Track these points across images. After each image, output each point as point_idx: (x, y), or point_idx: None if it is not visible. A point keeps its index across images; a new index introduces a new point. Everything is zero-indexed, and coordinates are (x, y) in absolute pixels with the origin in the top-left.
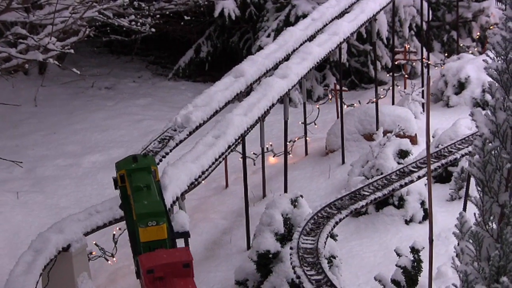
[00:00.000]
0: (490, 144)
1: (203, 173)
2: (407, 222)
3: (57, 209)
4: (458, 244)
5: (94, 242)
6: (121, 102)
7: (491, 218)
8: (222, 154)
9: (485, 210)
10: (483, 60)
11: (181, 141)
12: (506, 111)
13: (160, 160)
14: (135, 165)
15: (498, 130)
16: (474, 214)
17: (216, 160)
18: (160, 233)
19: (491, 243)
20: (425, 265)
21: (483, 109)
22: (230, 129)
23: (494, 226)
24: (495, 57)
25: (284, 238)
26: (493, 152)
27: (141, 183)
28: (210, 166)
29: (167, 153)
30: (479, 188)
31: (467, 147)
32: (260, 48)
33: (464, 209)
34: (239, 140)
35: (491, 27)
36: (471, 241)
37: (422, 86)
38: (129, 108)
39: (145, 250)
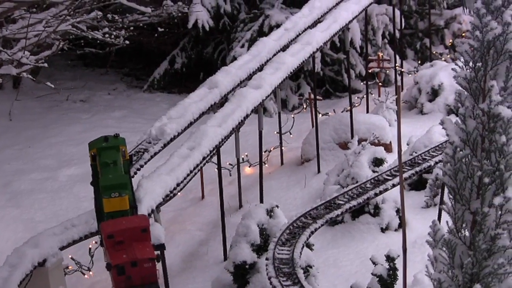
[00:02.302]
0: (460, 152)
1: (178, 185)
2: (383, 230)
3: (33, 224)
4: (432, 252)
5: (70, 256)
6: (97, 114)
7: (464, 225)
8: (197, 165)
9: (457, 217)
10: (452, 69)
11: (155, 154)
12: (475, 119)
13: (135, 173)
14: (105, 144)
15: (468, 138)
16: (447, 222)
17: (191, 172)
18: (123, 203)
19: (464, 251)
20: (401, 273)
21: (457, 115)
22: (205, 141)
23: (467, 233)
24: (463, 66)
25: (260, 249)
26: (463, 160)
27: (108, 159)
28: (185, 178)
29: (142, 166)
30: (451, 196)
31: (441, 154)
32: (235, 58)
33: (439, 216)
34: (214, 151)
35: (463, 34)
36: (444, 248)
37: (396, 93)
38: (104, 121)
39: (108, 220)
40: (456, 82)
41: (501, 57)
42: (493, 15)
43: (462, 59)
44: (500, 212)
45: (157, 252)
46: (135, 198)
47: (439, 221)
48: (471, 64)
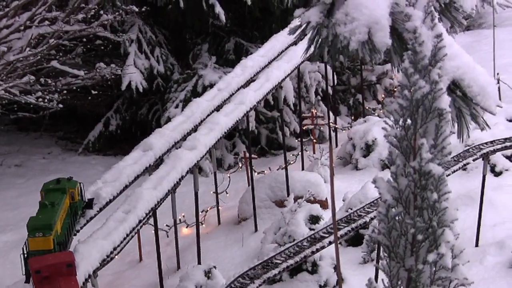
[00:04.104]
0: (393, 210)
1: (115, 249)
2: (321, 287)
3: None
4: None
5: None
6: (32, 179)
7: (399, 283)
8: (134, 229)
9: (392, 275)
10: (383, 128)
11: (91, 218)
12: (407, 177)
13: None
14: (52, 185)
15: (400, 196)
16: (382, 280)
17: (127, 235)
18: (46, 243)
19: None
20: None
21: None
22: (141, 204)
23: None
24: (393, 125)
25: None
26: (397, 218)
27: (48, 201)
28: (122, 242)
29: (78, 231)
30: (385, 254)
31: (376, 210)
32: (169, 119)
33: (376, 273)
34: (150, 214)
35: (395, 89)
36: None
37: (332, 147)
38: (40, 185)
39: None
40: (387, 141)
41: (430, 115)
42: (421, 74)
43: (392, 118)
44: (434, 269)
45: None
46: (68, 236)
47: (376, 278)
48: (401, 122)
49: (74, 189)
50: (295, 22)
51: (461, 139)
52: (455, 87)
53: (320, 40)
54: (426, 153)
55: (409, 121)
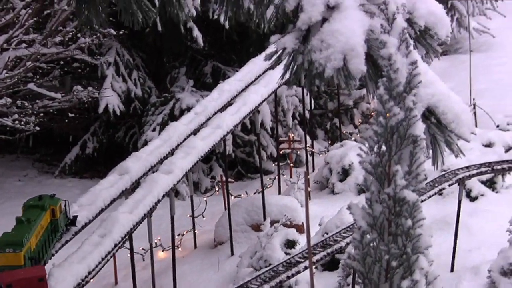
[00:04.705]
0: (368, 237)
1: (90, 273)
2: None
3: None
4: None
5: None
6: (7, 201)
7: None
8: (109, 252)
9: None
10: (358, 155)
11: (67, 242)
12: (382, 204)
13: (45, 262)
14: (33, 202)
15: (375, 223)
16: None
17: (103, 259)
18: (16, 259)
19: None
20: None
21: None
22: (116, 228)
23: None
24: (368, 151)
25: None
26: (371, 244)
27: (25, 217)
28: (97, 266)
29: (53, 255)
30: (360, 280)
31: (352, 234)
32: (146, 142)
33: None
34: (126, 238)
35: (371, 113)
36: None
37: (308, 173)
38: (15, 208)
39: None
40: (362, 167)
41: (404, 141)
42: (396, 101)
43: (366, 144)
44: None
45: None
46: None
47: None
48: (375, 149)
49: (56, 206)
50: (271, 48)
51: (436, 166)
52: (429, 114)
53: (296, 66)
54: (400, 179)
55: (384, 147)
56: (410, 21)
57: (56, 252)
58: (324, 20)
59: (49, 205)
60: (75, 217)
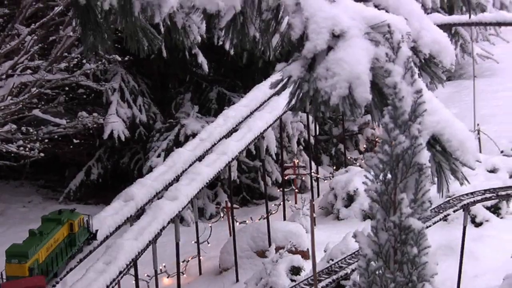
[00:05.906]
0: (374, 264)
1: None
2: None
3: None
4: None
5: None
6: (11, 228)
7: None
8: (114, 280)
9: None
10: (363, 183)
11: (71, 269)
12: (387, 231)
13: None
14: (51, 215)
15: (381, 251)
16: None
17: (108, 286)
18: (21, 270)
19: None
20: None
21: None
22: (121, 255)
23: None
24: (374, 179)
25: None
26: (377, 272)
27: (39, 230)
28: None
29: (57, 282)
30: None
31: (357, 261)
32: (151, 168)
33: None
34: (131, 265)
35: (376, 139)
36: None
37: (313, 200)
38: (19, 234)
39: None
40: (368, 195)
41: (410, 170)
42: (401, 129)
43: (372, 172)
44: None
45: None
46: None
47: None
48: (381, 177)
49: (74, 220)
50: (276, 76)
51: (441, 193)
52: (434, 142)
53: (301, 94)
54: (406, 207)
55: (389, 175)
56: (415, 49)
57: (61, 279)
58: (330, 48)
59: (67, 219)
60: (97, 231)
